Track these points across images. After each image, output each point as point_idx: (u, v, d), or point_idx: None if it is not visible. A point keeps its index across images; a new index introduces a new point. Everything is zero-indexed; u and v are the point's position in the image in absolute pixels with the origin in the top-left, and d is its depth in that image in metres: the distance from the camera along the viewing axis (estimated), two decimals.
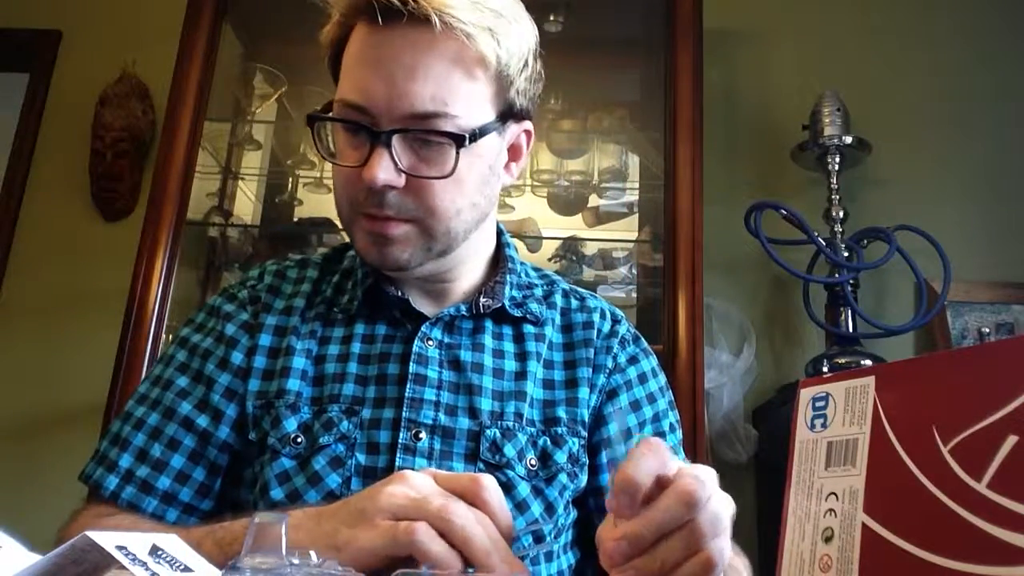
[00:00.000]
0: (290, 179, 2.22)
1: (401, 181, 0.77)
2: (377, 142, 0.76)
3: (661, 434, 0.90)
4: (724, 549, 0.53)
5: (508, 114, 0.83)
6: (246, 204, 2.22)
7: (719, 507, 0.53)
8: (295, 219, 2.19)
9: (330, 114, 0.81)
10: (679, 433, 0.93)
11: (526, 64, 0.84)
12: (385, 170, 0.76)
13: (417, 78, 0.75)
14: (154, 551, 0.39)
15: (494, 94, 0.81)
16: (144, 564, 0.37)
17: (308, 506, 0.68)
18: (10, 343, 2.14)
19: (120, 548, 0.37)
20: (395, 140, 0.76)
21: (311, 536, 0.60)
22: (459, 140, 0.77)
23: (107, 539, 0.37)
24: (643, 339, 0.96)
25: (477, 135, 0.79)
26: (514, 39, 0.81)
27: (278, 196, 2.23)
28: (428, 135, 0.77)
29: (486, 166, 0.83)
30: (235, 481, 0.84)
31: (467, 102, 0.78)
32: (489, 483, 0.60)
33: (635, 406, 0.90)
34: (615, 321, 0.95)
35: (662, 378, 0.95)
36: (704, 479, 0.52)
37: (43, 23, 2.37)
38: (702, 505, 0.51)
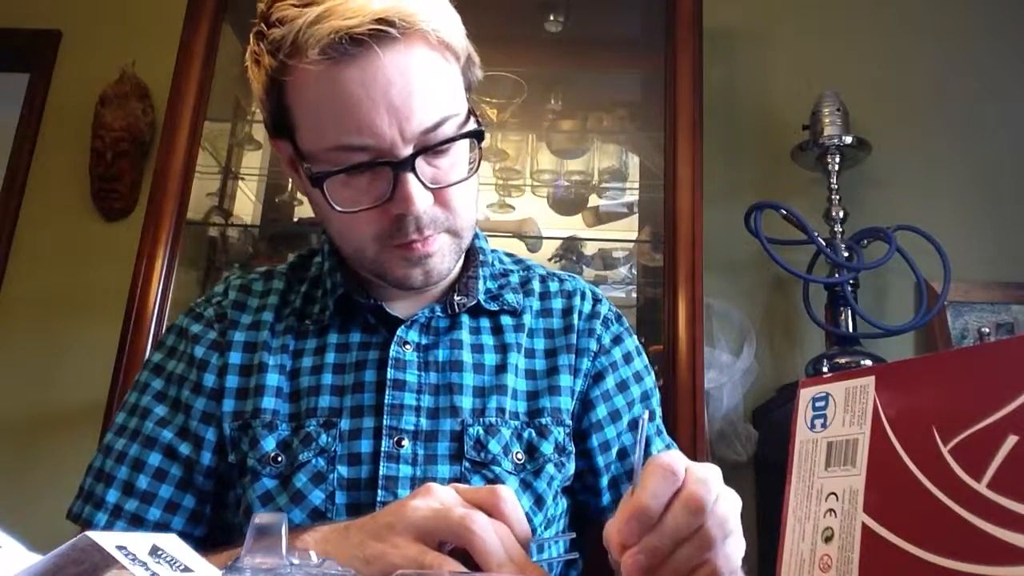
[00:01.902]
0: (290, 179, 2.21)
1: (431, 199, 0.75)
2: (402, 171, 0.73)
3: (650, 414, 0.90)
4: (733, 551, 0.54)
5: (476, 117, 0.82)
6: (246, 204, 2.22)
7: (726, 508, 0.53)
8: (295, 219, 2.19)
9: (304, 162, 0.76)
10: (659, 409, 0.93)
11: (469, 43, 0.82)
12: (420, 196, 0.73)
13: (415, 92, 0.72)
14: (154, 551, 0.39)
15: (462, 78, 0.80)
16: (144, 564, 0.37)
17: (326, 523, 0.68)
18: (10, 343, 2.14)
19: (120, 548, 0.37)
20: (416, 162, 0.73)
21: (340, 548, 0.61)
22: (480, 136, 0.77)
23: (107, 539, 0.37)
24: (624, 318, 0.96)
25: (480, 122, 0.79)
26: (457, 22, 0.80)
27: (278, 196, 2.23)
28: (449, 143, 0.75)
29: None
30: (222, 504, 0.82)
31: (454, 95, 0.77)
32: (507, 495, 0.61)
33: (622, 386, 0.89)
34: (596, 301, 0.93)
35: (644, 356, 0.94)
36: (709, 480, 0.53)
37: (43, 23, 2.37)
38: (709, 510, 0.52)
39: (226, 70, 2.01)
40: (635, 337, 0.95)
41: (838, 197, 1.94)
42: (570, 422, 0.85)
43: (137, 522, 0.79)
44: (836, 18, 2.31)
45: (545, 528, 0.82)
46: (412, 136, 0.73)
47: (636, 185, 2.15)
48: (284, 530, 0.44)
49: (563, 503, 0.85)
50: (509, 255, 0.98)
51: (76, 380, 2.05)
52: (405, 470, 0.78)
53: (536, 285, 0.93)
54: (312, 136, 0.75)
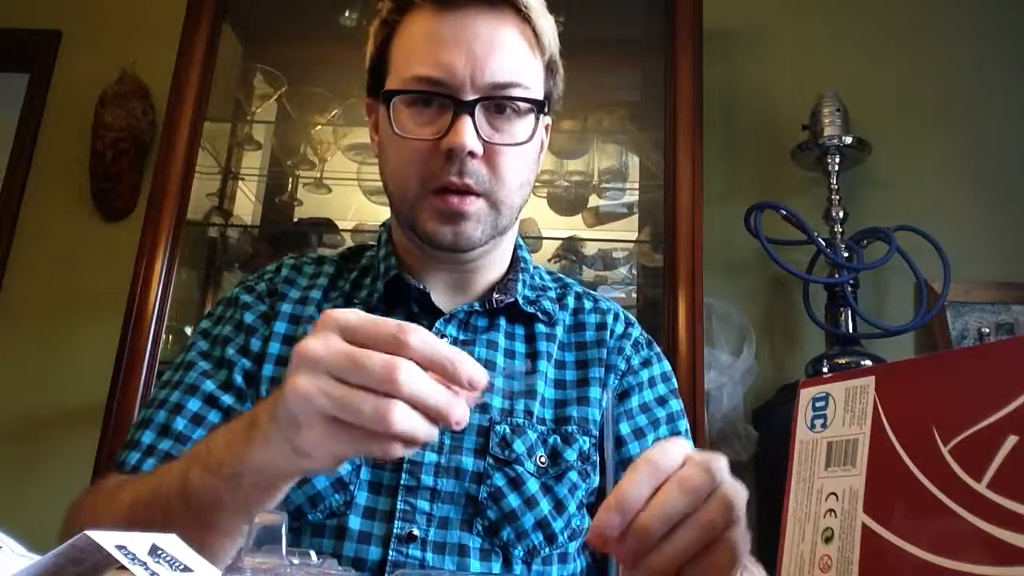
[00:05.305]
0: (290, 179, 2.22)
1: (481, 149, 0.80)
2: (460, 111, 0.79)
3: (676, 435, 0.90)
4: (740, 540, 0.50)
5: (547, 103, 0.87)
6: (246, 204, 2.22)
7: (731, 494, 0.50)
8: (295, 219, 2.19)
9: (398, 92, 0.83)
10: (688, 435, 0.92)
11: (559, 59, 0.89)
12: (471, 136, 0.79)
13: (496, 52, 0.80)
14: (154, 551, 0.39)
15: (544, 78, 0.86)
16: (144, 564, 0.37)
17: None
18: (10, 343, 2.14)
19: (120, 547, 0.37)
20: (477, 109, 0.79)
21: (249, 441, 0.56)
22: (540, 105, 0.83)
23: (107, 538, 0.37)
24: (656, 343, 0.97)
25: (548, 105, 0.85)
26: (553, 31, 0.87)
27: (278, 196, 2.23)
28: (511, 102, 0.81)
29: (539, 144, 0.87)
30: None
31: (533, 77, 0.84)
32: (416, 328, 0.52)
33: (644, 408, 0.90)
34: (628, 324, 0.96)
35: (673, 382, 0.95)
36: (711, 465, 0.50)
37: (43, 23, 2.37)
38: (708, 493, 0.49)
39: (226, 70, 2.01)
40: (666, 363, 0.96)
41: (838, 197, 1.94)
42: (597, 433, 0.86)
43: (170, 460, 0.77)
44: (836, 18, 2.31)
45: (569, 539, 0.82)
46: (481, 85, 0.80)
47: (636, 185, 2.15)
48: (284, 530, 0.44)
49: (588, 520, 0.85)
50: (550, 272, 1.01)
51: (76, 380, 2.05)
52: (430, 456, 0.80)
53: (571, 301, 0.96)
54: (398, 70, 0.83)
